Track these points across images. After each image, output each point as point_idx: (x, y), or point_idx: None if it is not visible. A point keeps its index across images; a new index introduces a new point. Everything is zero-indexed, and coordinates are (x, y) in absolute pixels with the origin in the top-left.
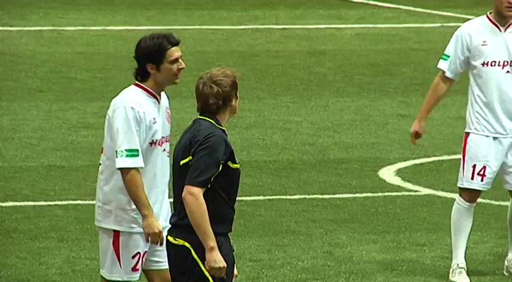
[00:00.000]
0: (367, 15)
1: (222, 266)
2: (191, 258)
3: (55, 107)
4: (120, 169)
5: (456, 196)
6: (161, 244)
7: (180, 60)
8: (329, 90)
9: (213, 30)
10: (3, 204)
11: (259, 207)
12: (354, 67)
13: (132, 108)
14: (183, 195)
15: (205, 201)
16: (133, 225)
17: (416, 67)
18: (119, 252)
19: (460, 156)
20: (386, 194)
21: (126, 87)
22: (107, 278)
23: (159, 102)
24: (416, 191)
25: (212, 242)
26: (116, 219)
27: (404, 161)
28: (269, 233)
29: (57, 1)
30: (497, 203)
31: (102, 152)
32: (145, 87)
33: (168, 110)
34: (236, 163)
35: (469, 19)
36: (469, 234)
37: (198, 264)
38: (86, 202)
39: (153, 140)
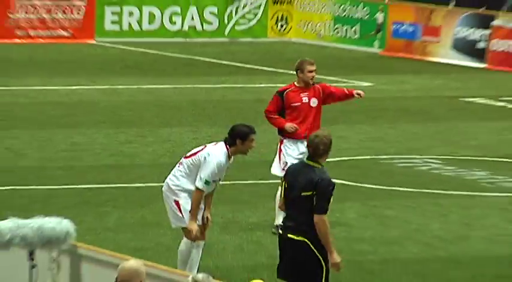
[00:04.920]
0: None
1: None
2: (311, 250)
3: None
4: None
5: None
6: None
7: (254, 144)
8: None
9: None
10: None
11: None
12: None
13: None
14: (316, 220)
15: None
16: None
17: None
18: None
19: None
20: None
21: None
22: None
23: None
24: None
25: (333, 247)
26: None
27: None
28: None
29: None
30: None
31: None
32: (229, 149)
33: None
34: None
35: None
36: None
37: (316, 255)
38: None
39: (214, 180)
